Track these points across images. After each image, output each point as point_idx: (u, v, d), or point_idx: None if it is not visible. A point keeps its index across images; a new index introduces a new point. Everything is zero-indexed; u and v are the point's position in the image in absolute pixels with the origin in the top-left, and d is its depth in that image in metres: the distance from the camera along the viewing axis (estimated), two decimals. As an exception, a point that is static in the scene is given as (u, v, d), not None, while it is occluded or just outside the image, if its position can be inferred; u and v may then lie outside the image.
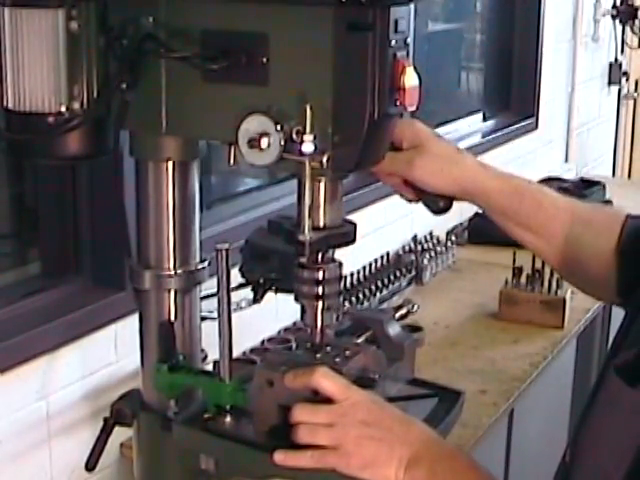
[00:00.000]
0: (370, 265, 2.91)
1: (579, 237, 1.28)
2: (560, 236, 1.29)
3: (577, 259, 1.29)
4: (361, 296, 2.77)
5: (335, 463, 1.09)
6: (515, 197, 1.29)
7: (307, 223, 1.11)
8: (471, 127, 3.94)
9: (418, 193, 1.30)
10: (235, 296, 1.20)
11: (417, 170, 1.27)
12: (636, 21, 4.76)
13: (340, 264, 1.19)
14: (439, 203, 1.30)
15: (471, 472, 1.11)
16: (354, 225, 1.19)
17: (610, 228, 1.26)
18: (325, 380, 1.11)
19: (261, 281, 1.26)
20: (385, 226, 3.16)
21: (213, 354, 1.25)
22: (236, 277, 1.23)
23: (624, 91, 5.10)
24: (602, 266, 1.25)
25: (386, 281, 2.89)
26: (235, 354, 1.19)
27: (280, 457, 1.10)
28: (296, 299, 1.20)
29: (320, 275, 1.17)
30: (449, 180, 1.28)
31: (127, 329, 2.10)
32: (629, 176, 5.47)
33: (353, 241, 1.18)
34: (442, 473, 1.09)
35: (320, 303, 1.17)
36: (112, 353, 2.16)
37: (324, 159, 1.07)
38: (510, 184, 1.31)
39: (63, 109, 1.14)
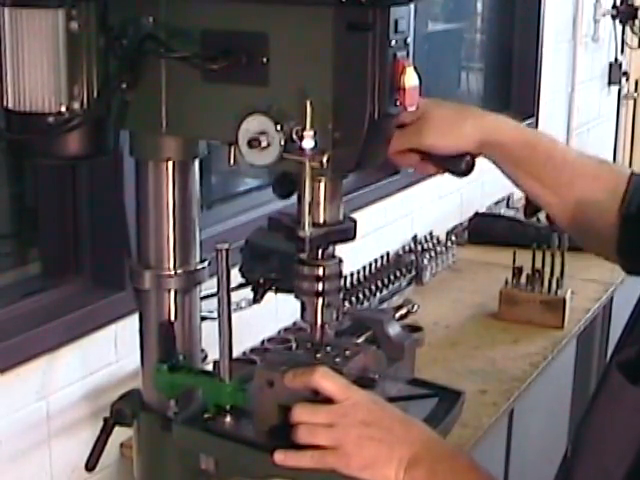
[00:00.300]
0: (370, 265, 2.91)
1: (585, 192, 1.28)
2: (568, 189, 1.28)
3: (582, 213, 1.28)
4: (361, 296, 2.77)
5: (335, 463, 1.08)
6: (527, 147, 1.28)
7: (307, 219, 1.11)
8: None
9: (437, 164, 1.29)
10: (235, 296, 1.20)
11: (426, 136, 1.26)
12: (636, 21, 4.76)
13: (340, 260, 1.19)
14: (461, 165, 1.27)
15: (471, 472, 1.11)
16: (354, 222, 1.19)
17: (615, 185, 1.26)
18: (325, 380, 1.11)
19: (261, 281, 1.26)
20: (385, 226, 3.16)
21: (213, 354, 1.25)
22: (236, 277, 1.23)
23: (624, 91, 5.10)
24: (605, 223, 1.26)
25: (386, 281, 2.89)
26: (235, 354, 1.19)
27: (280, 457, 1.10)
28: (296, 296, 1.20)
29: (320, 271, 1.17)
30: (460, 138, 1.26)
31: (127, 329, 2.10)
32: (629, 176, 5.46)
33: (353, 237, 1.18)
34: (442, 473, 1.09)
35: (320, 300, 1.17)
36: (112, 353, 2.16)
37: (324, 159, 1.07)
38: (523, 134, 1.30)
39: (63, 109, 1.14)
